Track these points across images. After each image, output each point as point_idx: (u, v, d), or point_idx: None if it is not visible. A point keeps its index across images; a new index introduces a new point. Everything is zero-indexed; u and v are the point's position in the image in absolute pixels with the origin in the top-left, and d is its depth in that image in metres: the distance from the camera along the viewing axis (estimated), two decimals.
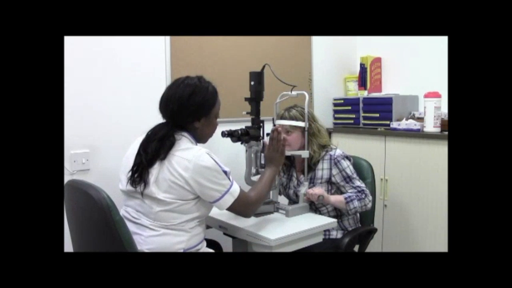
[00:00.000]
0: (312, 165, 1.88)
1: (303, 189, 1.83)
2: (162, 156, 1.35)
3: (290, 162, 2.01)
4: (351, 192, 1.85)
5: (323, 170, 1.87)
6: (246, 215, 1.52)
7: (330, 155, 1.87)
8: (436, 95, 2.25)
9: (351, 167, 1.88)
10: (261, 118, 1.83)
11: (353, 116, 2.66)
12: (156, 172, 1.35)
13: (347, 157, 1.90)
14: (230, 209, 1.43)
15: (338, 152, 1.89)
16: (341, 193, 1.88)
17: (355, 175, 1.87)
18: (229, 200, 1.40)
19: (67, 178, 1.55)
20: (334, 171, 1.86)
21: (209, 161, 1.36)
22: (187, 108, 1.41)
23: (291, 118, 1.84)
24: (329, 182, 1.88)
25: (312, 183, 1.88)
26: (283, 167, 2.03)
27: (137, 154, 1.40)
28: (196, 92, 1.42)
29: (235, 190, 1.42)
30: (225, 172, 1.39)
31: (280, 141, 1.61)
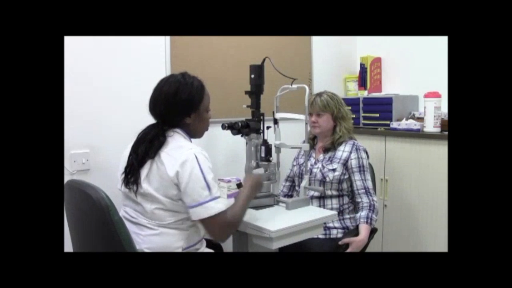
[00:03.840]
0: (336, 145, 1.99)
1: (303, 183, 1.84)
2: (152, 155, 1.35)
3: (312, 143, 2.10)
4: (363, 200, 1.93)
5: (343, 152, 1.98)
6: (215, 237, 1.39)
7: (354, 142, 2.01)
8: (436, 95, 2.25)
9: (367, 161, 1.99)
10: (261, 112, 1.83)
11: (353, 116, 2.64)
12: (147, 169, 1.35)
13: (367, 152, 2.02)
14: (203, 223, 1.36)
15: (360, 144, 2.02)
16: (350, 182, 1.97)
17: (368, 170, 1.98)
18: (200, 213, 1.32)
19: (67, 178, 1.55)
20: (353, 155, 1.96)
21: (193, 163, 1.32)
22: (175, 106, 1.40)
23: (322, 103, 1.99)
24: (345, 165, 1.96)
25: (330, 161, 1.97)
26: None
27: (129, 156, 1.40)
28: (181, 89, 1.40)
29: (212, 207, 1.32)
30: (206, 183, 1.33)
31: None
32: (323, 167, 1.96)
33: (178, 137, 1.41)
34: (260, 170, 1.84)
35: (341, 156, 1.97)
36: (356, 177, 1.94)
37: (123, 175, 1.39)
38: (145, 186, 1.34)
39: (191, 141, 1.46)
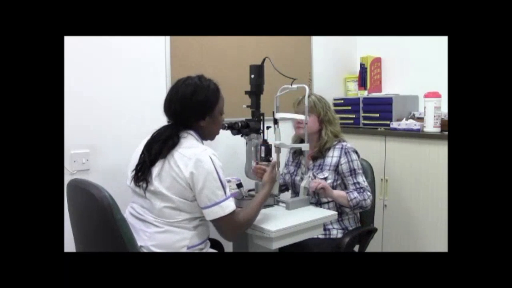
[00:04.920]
0: (323, 151, 1.93)
1: (303, 183, 1.84)
2: (164, 155, 1.37)
3: (300, 150, 2.05)
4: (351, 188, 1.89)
5: (333, 157, 1.92)
6: (228, 237, 1.44)
7: (342, 145, 1.94)
8: (436, 95, 2.25)
9: (358, 162, 1.93)
10: (261, 112, 1.83)
11: (353, 116, 2.66)
12: (159, 167, 1.37)
13: (357, 152, 1.96)
14: (215, 223, 1.38)
15: (350, 145, 1.96)
16: (344, 187, 1.92)
17: (360, 171, 1.92)
18: (216, 212, 1.35)
19: (67, 178, 1.55)
20: (343, 160, 1.90)
21: (209, 164, 1.35)
22: (190, 108, 1.43)
23: (309, 104, 1.90)
24: (336, 171, 1.91)
25: (320, 169, 1.92)
26: (292, 154, 2.10)
27: (141, 154, 1.42)
28: (198, 91, 1.43)
29: (227, 206, 1.36)
30: (221, 183, 1.36)
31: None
32: (314, 176, 1.91)
33: (191, 138, 1.43)
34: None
35: (330, 162, 1.91)
36: (349, 181, 1.89)
37: (134, 172, 1.41)
38: (156, 184, 1.36)
39: (203, 143, 1.48)
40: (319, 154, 1.94)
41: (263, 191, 1.57)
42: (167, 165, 1.36)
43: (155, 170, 1.37)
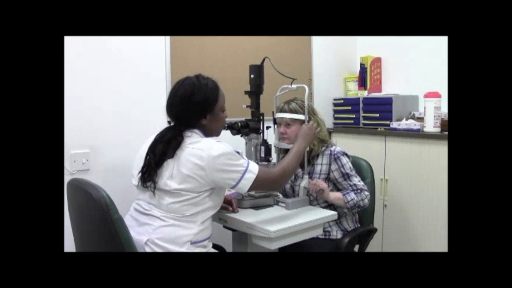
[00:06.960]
0: (311, 159, 1.88)
1: (303, 182, 1.83)
2: (170, 155, 1.39)
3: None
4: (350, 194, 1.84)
5: (322, 165, 1.87)
6: (272, 189, 1.58)
7: (331, 151, 1.87)
8: (436, 95, 2.25)
9: (350, 164, 1.88)
10: (261, 112, 1.83)
11: (353, 116, 2.66)
12: (168, 167, 1.39)
13: (347, 154, 1.90)
14: (255, 187, 1.45)
15: (338, 148, 1.89)
16: (337, 189, 1.89)
17: (353, 173, 1.87)
18: (250, 177, 1.42)
19: (67, 178, 1.55)
20: (333, 166, 1.85)
21: (222, 147, 1.39)
22: (190, 108, 1.45)
23: (291, 111, 1.85)
24: (327, 178, 1.87)
25: (310, 177, 1.87)
26: None
27: (146, 155, 1.44)
28: (196, 91, 1.44)
29: (254, 167, 1.44)
30: (238, 153, 1.43)
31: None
32: (312, 178, 1.86)
33: (195, 136, 1.46)
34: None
35: (320, 171, 1.87)
36: (344, 185, 1.85)
37: (140, 174, 1.43)
38: (167, 182, 1.38)
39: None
40: (307, 162, 1.85)
41: (296, 144, 1.64)
42: (177, 163, 1.38)
43: (164, 169, 1.39)
